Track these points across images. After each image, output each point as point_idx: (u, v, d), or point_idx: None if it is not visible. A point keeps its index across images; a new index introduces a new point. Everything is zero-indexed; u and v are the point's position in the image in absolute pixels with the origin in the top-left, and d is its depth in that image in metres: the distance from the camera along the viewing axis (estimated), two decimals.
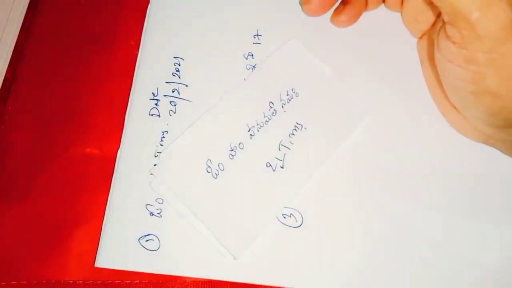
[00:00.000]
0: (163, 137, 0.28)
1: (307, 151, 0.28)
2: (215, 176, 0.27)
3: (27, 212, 0.27)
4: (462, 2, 0.22)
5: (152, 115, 0.29)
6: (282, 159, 0.28)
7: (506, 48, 0.22)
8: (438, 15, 0.28)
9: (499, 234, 0.27)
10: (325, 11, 0.30)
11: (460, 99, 0.26)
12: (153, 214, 0.27)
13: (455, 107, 0.27)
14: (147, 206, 0.27)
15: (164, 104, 0.29)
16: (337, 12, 0.30)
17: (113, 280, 0.26)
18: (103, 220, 0.27)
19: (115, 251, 0.26)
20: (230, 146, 0.28)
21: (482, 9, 0.22)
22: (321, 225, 0.27)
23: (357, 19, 0.30)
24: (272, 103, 0.29)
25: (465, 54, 0.24)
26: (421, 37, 0.30)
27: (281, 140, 0.28)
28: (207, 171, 0.27)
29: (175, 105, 0.29)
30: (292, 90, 0.29)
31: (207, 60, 0.30)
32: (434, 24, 0.29)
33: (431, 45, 0.29)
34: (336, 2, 0.30)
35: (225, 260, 0.26)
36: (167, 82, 0.30)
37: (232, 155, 0.28)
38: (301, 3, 0.30)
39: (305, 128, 0.29)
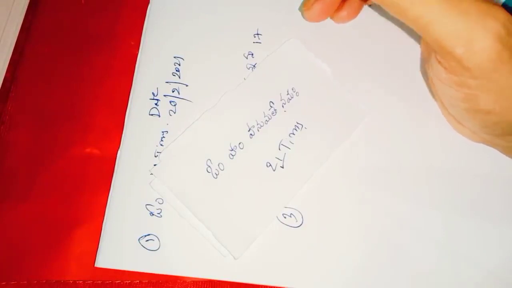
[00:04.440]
0: (163, 137, 0.28)
1: (307, 151, 0.28)
2: (215, 176, 0.27)
3: (27, 212, 0.27)
4: (446, 39, 0.22)
5: (152, 115, 0.29)
6: (282, 159, 0.28)
7: (498, 75, 0.22)
8: None
9: (499, 234, 0.27)
10: (325, 17, 0.30)
11: (455, 113, 0.27)
12: (153, 214, 0.27)
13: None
14: (147, 206, 0.27)
15: (164, 104, 0.29)
16: (337, 8, 0.30)
17: (113, 280, 0.26)
18: (103, 220, 0.27)
19: (115, 251, 0.26)
20: (230, 146, 0.28)
21: (467, 44, 0.22)
22: (321, 225, 0.27)
23: (357, 15, 0.30)
24: (272, 103, 0.29)
25: (455, 80, 0.24)
26: None
27: (281, 140, 0.28)
28: (207, 171, 0.27)
29: (175, 105, 0.29)
30: (292, 89, 0.29)
31: (207, 60, 0.30)
32: None
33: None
34: (335, 8, 0.30)
35: (225, 260, 0.26)
36: (167, 82, 0.30)
37: (232, 155, 0.28)
38: (301, 10, 0.31)
39: (305, 128, 0.29)
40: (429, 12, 0.22)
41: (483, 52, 0.22)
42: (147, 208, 0.27)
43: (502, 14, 0.22)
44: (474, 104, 0.24)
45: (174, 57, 0.30)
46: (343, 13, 0.30)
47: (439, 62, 0.24)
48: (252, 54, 0.30)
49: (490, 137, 0.26)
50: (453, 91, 0.24)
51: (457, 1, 0.22)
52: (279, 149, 0.28)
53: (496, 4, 0.22)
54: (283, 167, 0.28)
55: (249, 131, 0.28)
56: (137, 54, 0.30)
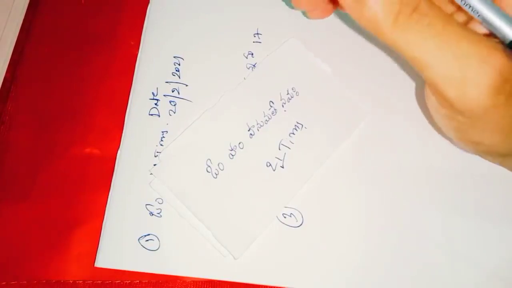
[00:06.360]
0: (163, 137, 0.28)
1: (307, 151, 0.28)
2: (215, 176, 0.27)
3: (27, 212, 0.27)
4: (441, 82, 0.22)
5: (152, 115, 0.29)
6: (282, 158, 0.28)
7: (487, 117, 0.22)
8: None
9: (499, 234, 0.27)
10: (328, 14, 0.29)
11: (447, 135, 0.26)
12: (153, 214, 0.27)
13: None
14: (147, 206, 0.27)
15: (164, 104, 0.29)
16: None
17: (113, 280, 0.26)
18: (103, 220, 0.27)
19: (115, 251, 0.26)
20: (230, 145, 0.28)
21: (460, 89, 0.21)
22: (321, 225, 0.27)
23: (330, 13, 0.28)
24: (272, 102, 0.29)
25: (447, 113, 0.23)
26: None
27: (281, 140, 0.28)
28: (207, 171, 0.27)
29: (175, 105, 0.29)
30: (292, 89, 0.29)
31: (207, 59, 0.30)
32: None
33: None
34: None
35: (225, 260, 0.26)
36: (167, 82, 0.30)
37: (232, 155, 0.28)
38: (305, 14, 0.30)
39: (305, 128, 0.29)
40: (425, 54, 0.21)
41: (475, 99, 0.21)
42: (147, 208, 0.27)
43: (500, 60, 0.21)
44: (464, 134, 0.24)
45: (174, 57, 0.30)
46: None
47: (434, 93, 0.24)
48: (252, 54, 0.30)
49: (484, 156, 0.26)
50: (445, 120, 0.24)
51: (455, 42, 0.21)
52: (279, 149, 0.28)
53: (496, 45, 0.21)
54: (283, 167, 0.28)
55: (249, 131, 0.28)
56: (137, 54, 0.30)
